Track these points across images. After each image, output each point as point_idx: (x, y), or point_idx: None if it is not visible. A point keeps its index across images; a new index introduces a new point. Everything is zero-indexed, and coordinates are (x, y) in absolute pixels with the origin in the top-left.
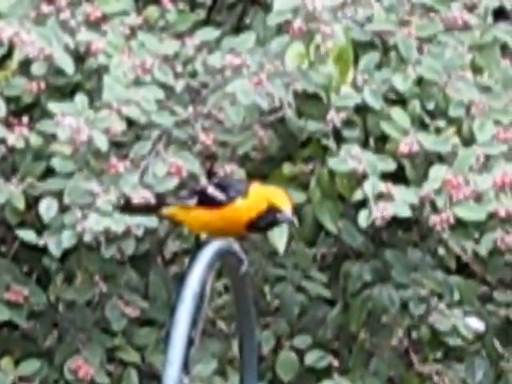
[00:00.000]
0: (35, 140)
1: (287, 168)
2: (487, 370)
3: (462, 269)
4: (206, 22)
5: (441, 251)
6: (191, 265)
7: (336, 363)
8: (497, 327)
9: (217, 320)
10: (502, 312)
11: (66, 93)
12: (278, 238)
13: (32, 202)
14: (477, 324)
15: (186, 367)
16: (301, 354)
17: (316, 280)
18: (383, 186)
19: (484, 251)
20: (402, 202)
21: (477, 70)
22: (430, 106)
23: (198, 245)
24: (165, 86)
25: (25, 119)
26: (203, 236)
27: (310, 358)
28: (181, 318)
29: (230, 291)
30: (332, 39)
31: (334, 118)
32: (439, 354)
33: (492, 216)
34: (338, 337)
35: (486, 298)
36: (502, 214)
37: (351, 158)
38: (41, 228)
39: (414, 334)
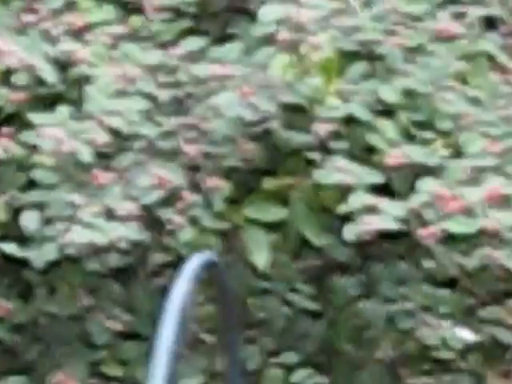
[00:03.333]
0: (17, 151)
1: (271, 182)
2: None
3: (450, 282)
4: (191, 32)
5: (428, 264)
6: (176, 278)
7: (324, 380)
8: (481, 344)
9: (201, 333)
10: (486, 329)
11: (49, 103)
12: (258, 253)
13: (14, 214)
14: (468, 335)
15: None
16: (288, 369)
17: (301, 292)
18: (370, 199)
19: (472, 266)
20: (388, 215)
21: (465, 80)
22: (418, 117)
23: (182, 257)
24: (149, 97)
25: (7, 130)
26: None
27: (298, 376)
28: (165, 332)
29: (214, 303)
30: (318, 50)
31: (320, 129)
32: (427, 367)
33: (481, 232)
34: (323, 350)
35: (471, 313)
36: (491, 228)
37: (337, 170)
38: (23, 240)
39: (402, 348)
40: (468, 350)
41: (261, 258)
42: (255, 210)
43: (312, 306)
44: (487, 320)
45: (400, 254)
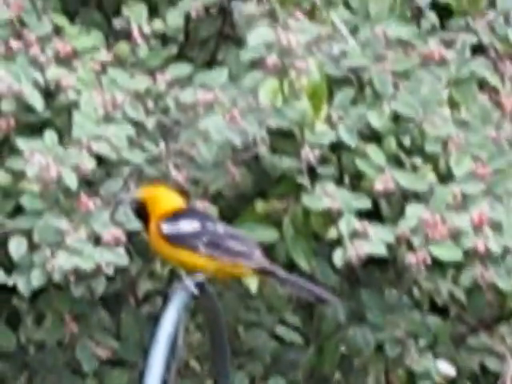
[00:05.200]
0: (4, 177)
1: (260, 206)
2: None
3: (440, 309)
4: (178, 58)
5: (417, 292)
6: (165, 306)
7: None
8: (470, 372)
9: (190, 360)
10: (475, 358)
11: (36, 129)
12: (251, 279)
13: (1, 241)
14: (448, 369)
15: None
16: None
17: (290, 325)
18: (358, 224)
19: (461, 292)
20: (377, 240)
21: (454, 104)
22: (406, 142)
23: (171, 284)
24: (136, 123)
25: None
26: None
27: None
28: (155, 360)
29: (204, 330)
30: (306, 75)
31: (309, 155)
32: None
33: (469, 254)
34: (312, 377)
35: (461, 340)
36: (482, 249)
37: (326, 195)
38: (10, 267)
39: (390, 375)
40: (458, 377)
41: (253, 282)
42: (246, 232)
43: (299, 339)
44: (476, 348)
45: (389, 280)
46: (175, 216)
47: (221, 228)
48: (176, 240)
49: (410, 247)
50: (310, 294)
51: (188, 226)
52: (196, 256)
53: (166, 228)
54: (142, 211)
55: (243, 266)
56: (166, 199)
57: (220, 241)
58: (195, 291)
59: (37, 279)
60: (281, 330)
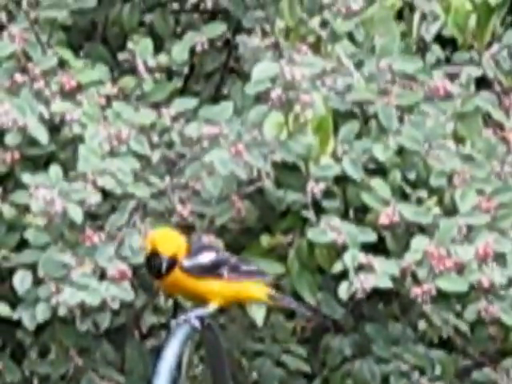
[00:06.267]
0: (9, 211)
1: (265, 239)
2: None
3: (444, 342)
4: (183, 92)
5: (422, 325)
6: (167, 338)
7: None
8: None
9: None
10: None
11: (41, 163)
12: (256, 310)
13: (6, 275)
14: None
15: None
16: None
17: (295, 354)
18: (363, 258)
19: (466, 326)
20: (382, 273)
21: (459, 139)
22: (411, 175)
23: (175, 318)
24: (141, 157)
25: None
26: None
27: None
28: None
29: (207, 363)
30: (311, 108)
31: (314, 188)
32: None
33: (474, 287)
34: None
35: (465, 374)
36: (486, 284)
37: (331, 229)
38: (15, 301)
39: None
40: None
41: (259, 314)
42: None
43: (305, 367)
44: (480, 382)
45: (394, 313)
46: (190, 251)
47: (229, 255)
48: (199, 272)
49: (416, 280)
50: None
51: (206, 257)
52: (221, 282)
53: (187, 263)
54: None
55: (261, 281)
56: (181, 242)
57: (237, 265)
58: (197, 325)
59: (42, 313)
60: (286, 359)
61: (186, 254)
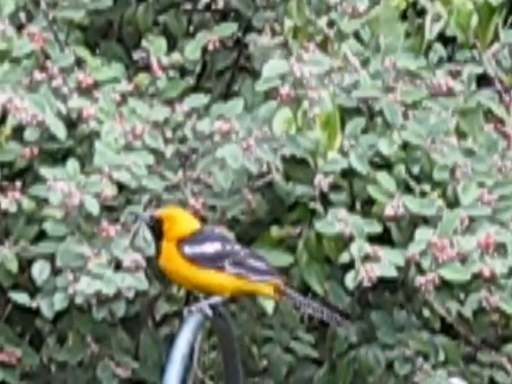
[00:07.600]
0: (28, 204)
1: (275, 231)
2: None
3: (447, 329)
4: (196, 89)
5: (426, 312)
6: (180, 327)
7: None
8: None
9: (205, 379)
10: (485, 372)
11: (58, 158)
12: (266, 298)
13: (25, 265)
14: None
15: None
16: None
17: (304, 341)
18: (370, 248)
19: (469, 312)
20: (388, 263)
21: (461, 134)
22: (415, 169)
23: (188, 306)
24: (155, 152)
25: (18, 184)
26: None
27: None
28: (170, 378)
29: (218, 350)
30: (319, 105)
31: (322, 182)
32: None
33: (477, 277)
34: None
35: (470, 358)
36: (487, 273)
37: (338, 221)
38: (33, 290)
39: None
40: None
41: (269, 303)
42: None
43: (313, 353)
44: (486, 364)
45: (398, 301)
46: (195, 238)
47: (239, 248)
48: (200, 261)
49: (420, 269)
50: (323, 315)
51: (210, 246)
52: (222, 275)
53: (188, 250)
54: (157, 229)
55: (273, 283)
56: (183, 220)
57: (243, 260)
58: (209, 313)
59: (60, 302)
60: (295, 345)
61: (187, 238)
